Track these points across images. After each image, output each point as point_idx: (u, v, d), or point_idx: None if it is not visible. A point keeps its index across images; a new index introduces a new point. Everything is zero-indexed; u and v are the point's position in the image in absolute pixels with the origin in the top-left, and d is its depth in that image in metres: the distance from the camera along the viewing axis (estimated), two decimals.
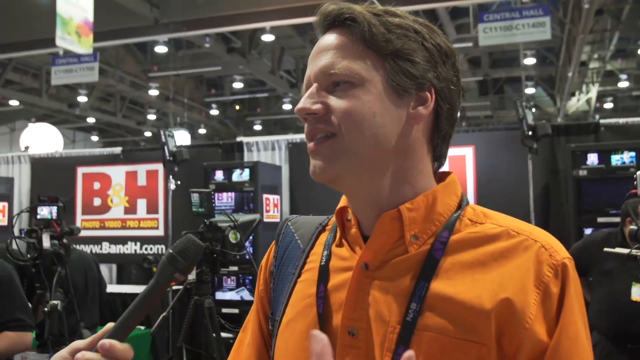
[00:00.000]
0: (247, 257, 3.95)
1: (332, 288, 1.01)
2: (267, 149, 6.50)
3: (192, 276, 3.74)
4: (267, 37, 13.85)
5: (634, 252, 3.31)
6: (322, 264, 1.05)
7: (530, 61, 14.85)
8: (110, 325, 0.95)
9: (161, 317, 3.60)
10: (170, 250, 0.95)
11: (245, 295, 5.93)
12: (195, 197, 3.82)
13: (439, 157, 1.05)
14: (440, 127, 1.03)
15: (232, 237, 3.83)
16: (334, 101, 0.97)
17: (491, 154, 5.80)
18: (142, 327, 6.15)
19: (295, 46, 15.87)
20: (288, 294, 1.08)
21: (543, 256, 0.92)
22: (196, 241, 0.97)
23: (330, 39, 1.01)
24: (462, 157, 5.88)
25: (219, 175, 6.07)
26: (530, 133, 5.11)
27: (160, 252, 6.81)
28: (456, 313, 0.90)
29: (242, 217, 3.95)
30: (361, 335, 0.95)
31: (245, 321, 1.22)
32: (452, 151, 5.89)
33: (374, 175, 0.99)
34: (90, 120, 19.29)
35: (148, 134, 21.32)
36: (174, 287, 6.33)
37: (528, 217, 5.15)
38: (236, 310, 5.89)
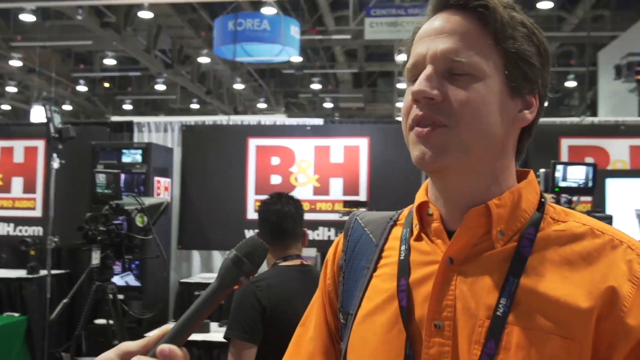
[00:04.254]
0: (154, 240, 3.80)
1: (414, 282, 1.00)
2: (159, 130, 6.27)
3: (95, 260, 3.55)
4: (145, 14, 13.35)
5: None
6: (402, 258, 1.03)
7: (404, 57, 15.37)
8: (167, 327, 0.89)
9: (62, 303, 3.39)
10: (235, 252, 0.90)
11: (131, 280, 5.71)
12: (101, 178, 3.64)
13: (521, 153, 1.05)
14: (531, 131, 1.03)
15: (139, 220, 3.69)
16: (453, 90, 0.94)
17: (386, 145, 5.94)
18: (17, 315, 5.76)
19: (173, 25, 15.43)
20: (364, 288, 1.06)
21: (631, 256, 0.93)
22: (263, 243, 0.92)
23: (454, 20, 0.96)
24: (357, 147, 5.99)
25: (109, 155, 5.78)
26: None
27: (36, 233, 6.40)
28: (548, 309, 0.90)
29: (149, 200, 3.80)
30: (447, 327, 0.94)
31: (304, 316, 1.20)
32: (347, 141, 6.00)
33: (475, 171, 0.97)
34: None
35: (6, 107, 19.91)
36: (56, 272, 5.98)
37: None
38: (121, 296, 5.66)
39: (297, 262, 2.79)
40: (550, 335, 0.89)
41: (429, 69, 0.94)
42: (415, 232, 1.04)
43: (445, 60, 0.94)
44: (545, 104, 1.04)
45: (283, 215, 2.78)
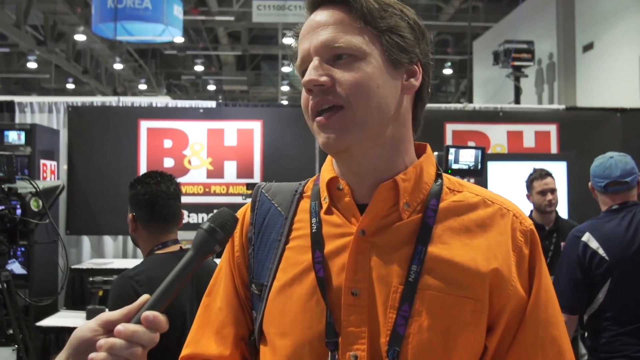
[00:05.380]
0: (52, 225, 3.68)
1: (329, 253, 1.07)
2: (43, 111, 5.97)
3: None
4: None
5: None
6: (314, 230, 1.10)
7: (289, 41, 15.46)
8: (145, 297, 0.93)
9: None
10: (209, 223, 0.97)
11: (16, 268, 5.44)
12: None
13: (417, 126, 1.15)
14: (422, 98, 1.13)
15: (34, 204, 3.55)
16: (340, 74, 1.02)
17: (280, 128, 6.00)
18: None
19: (45, 0, 14.66)
20: (277, 260, 1.12)
21: (515, 224, 1.07)
22: (233, 214, 1.01)
23: (326, 14, 1.06)
24: (250, 130, 6.01)
25: None
26: None
27: None
28: (453, 274, 1.02)
29: (45, 184, 3.67)
30: (363, 295, 1.03)
31: (209, 287, 1.23)
32: (241, 124, 6.01)
33: (377, 144, 1.06)
34: None
35: None
36: None
37: None
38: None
39: (176, 247, 2.52)
40: (456, 296, 1.02)
41: (315, 61, 1.04)
42: (325, 205, 1.12)
43: (327, 49, 1.04)
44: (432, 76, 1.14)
45: (165, 196, 2.51)
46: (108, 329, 0.91)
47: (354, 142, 1.03)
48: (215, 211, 1.01)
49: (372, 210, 1.05)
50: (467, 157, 3.60)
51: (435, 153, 3.68)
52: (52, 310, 5.03)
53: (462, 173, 3.61)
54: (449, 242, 1.04)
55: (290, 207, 1.16)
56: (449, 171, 3.57)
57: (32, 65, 18.34)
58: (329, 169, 1.13)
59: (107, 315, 0.92)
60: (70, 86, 20.67)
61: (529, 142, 6.22)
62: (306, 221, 1.12)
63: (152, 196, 2.50)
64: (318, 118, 1.04)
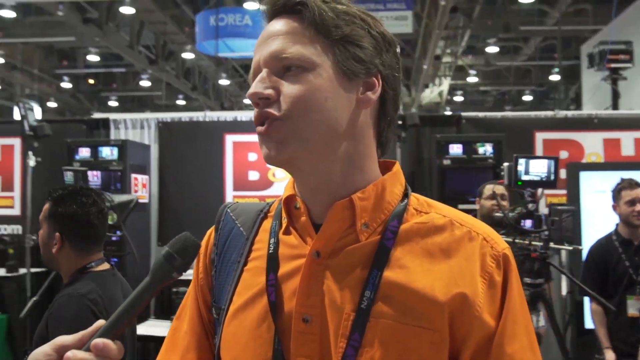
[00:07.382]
0: (121, 238, 3.82)
1: (282, 276, 1.01)
2: (135, 127, 6.27)
3: None
4: (126, 10, 13.34)
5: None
6: (271, 252, 1.04)
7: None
8: (100, 322, 0.90)
9: (32, 301, 3.40)
10: (168, 249, 0.93)
11: None
12: (68, 176, 3.64)
13: (384, 143, 1.07)
14: (386, 112, 1.04)
15: (109, 218, 3.69)
16: (286, 86, 0.97)
17: None
18: None
19: (155, 21, 15.37)
20: (235, 283, 1.07)
21: (485, 248, 0.98)
22: (195, 240, 0.95)
23: (279, 24, 1.00)
24: None
25: (85, 152, 5.77)
26: (399, 122, 5.34)
27: (15, 232, 6.37)
28: (409, 301, 0.94)
29: (119, 198, 3.82)
30: (315, 321, 0.96)
31: (179, 309, 1.19)
32: None
33: (326, 159, 0.99)
34: None
35: None
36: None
37: None
38: None
39: (107, 265, 2.44)
40: (412, 326, 0.93)
41: (263, 72, 0.98)
42: (284, 225, 1.05)
43: (275, 60, 0.98)
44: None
45: (105, 214, 2.43)
46: (61, 354, 0.87)
47: (294, 155, 0.97)
48: (176, 237, 0.95)
49: (326, 231, 0.98)
50: (538, 168, 3.41)
51: (506, 164, 3.52)
52: (141, 319, 5.23)
53: (533, 184, 3.42)
54: (407, 267, 0.96)
55: (252, 227, 1.11)
56: (519, 182, 3.40)
57: (145, 83, 19.30)
58: (289, 187, 1.07)
59: (62, 339, 0.89)
60: (181, 102, 21.57)
61: (627, 150, 5.82)
62: (266, 242, 1.06)
63: (96, 214, 2.35)
64: (258, 128, 0.98)
